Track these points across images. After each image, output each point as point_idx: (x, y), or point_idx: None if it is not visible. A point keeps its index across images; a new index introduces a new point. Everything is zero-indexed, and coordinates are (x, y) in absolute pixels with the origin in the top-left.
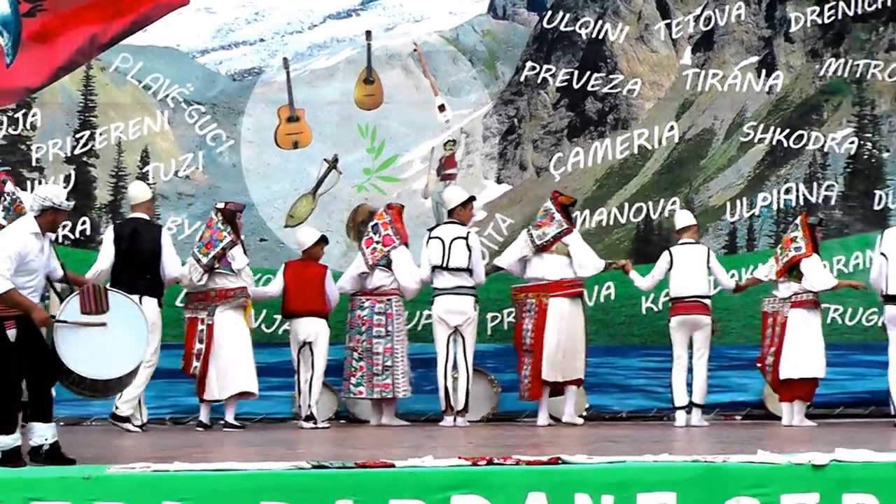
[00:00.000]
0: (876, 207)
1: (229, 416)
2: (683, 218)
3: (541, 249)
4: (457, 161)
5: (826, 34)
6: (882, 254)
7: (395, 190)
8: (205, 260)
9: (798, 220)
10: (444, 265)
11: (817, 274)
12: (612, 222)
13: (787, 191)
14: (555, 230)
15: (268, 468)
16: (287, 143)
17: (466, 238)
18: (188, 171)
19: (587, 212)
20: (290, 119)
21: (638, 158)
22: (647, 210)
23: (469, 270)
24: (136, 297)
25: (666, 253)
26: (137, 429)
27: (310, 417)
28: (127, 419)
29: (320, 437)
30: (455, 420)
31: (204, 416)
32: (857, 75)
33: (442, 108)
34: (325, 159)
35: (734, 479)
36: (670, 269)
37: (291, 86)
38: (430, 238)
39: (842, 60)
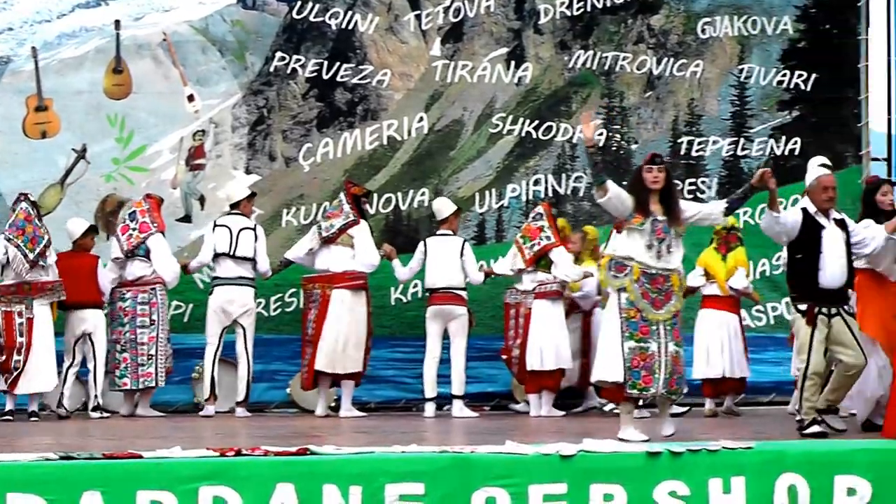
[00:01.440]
0: None
1: (33, 406)
2: (441, 208)
3: (328, 241)
4: (206, 151)
5: (575, 26)
6: None
7: (144, 180)
8: (31, 256)
9: (541, 210)
10: (231, 253)
11: (567, 264)
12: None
13: (536, 182)
14: (342, 221)
15: (14, 459)
16: (35, 133)
17: (254, 229)
18: None
19: (336, 202)
20: (39, 108)
21: (387, 149)
22: (397, 201)
23: (253, 261)
24: None
25: (421, 243)
26: None
27: (97, 408)
28: None
29: (70, 428)
30: (236, 410)
31: (11, 405)
32: (606, 67)
33: (191, 98)
34: (73, 149)
35: (482, 470)
36: (425, 259)
37: (40, 75)
38: (216, 226)
39: (590, 52)
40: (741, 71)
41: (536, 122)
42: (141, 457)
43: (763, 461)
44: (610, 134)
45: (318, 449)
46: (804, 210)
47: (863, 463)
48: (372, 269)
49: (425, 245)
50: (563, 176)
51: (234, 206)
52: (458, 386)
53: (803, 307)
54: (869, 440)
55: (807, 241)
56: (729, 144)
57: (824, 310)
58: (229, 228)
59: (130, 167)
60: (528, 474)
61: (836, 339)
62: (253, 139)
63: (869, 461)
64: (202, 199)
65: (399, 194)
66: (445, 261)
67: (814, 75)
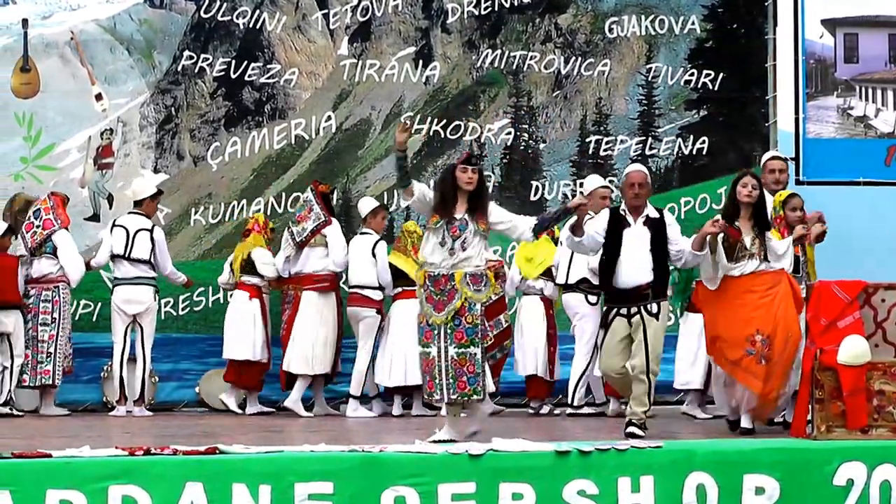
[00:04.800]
0: (532, 198)
1: None
2: (360, 207)
3: (301, 245)
4: (114, 150)
5: (483, 25)
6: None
7: (53, 179)
8: None
9: None
10: (126, 255)
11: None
12: (269, 212)
13: None
14: (313, 224)
15: None
16: None
17: (151, 231)
18: None
19: (244, 202)
20: None
21: (295, 148)
22: None
23: (150, 263)
24: None
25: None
26: None
27: (9, 404)
28: None
29: None
30: (133, 409)
31: None
32: (514, 66)
33: (99, 97)
34: None
35: (391, 469)
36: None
37: None
38: (113, 226)
39: (498, 51)
40: (649, 70)
41: (444, 121)
42: (50, 456)
43: (672, 460)
44: (518, 133)
45: (227, 448)
46: (613, 210)
47: (771, 462)
48: (343, 268)
49: (348, 244)
50: None
51: (137, 203)
52: (354, 386)
53: (604, 309)
54: (777, 439)
55: (610, 240)
56: (637, 144)
57: (623, 310)
58: (126, 229)
59: (38, 166)
60: (438, 473)
61: (633, 339)
62: (161, 138)
63: (777, 460)
64: (110, 198)
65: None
66: (357, 260)
67: (721, 75)
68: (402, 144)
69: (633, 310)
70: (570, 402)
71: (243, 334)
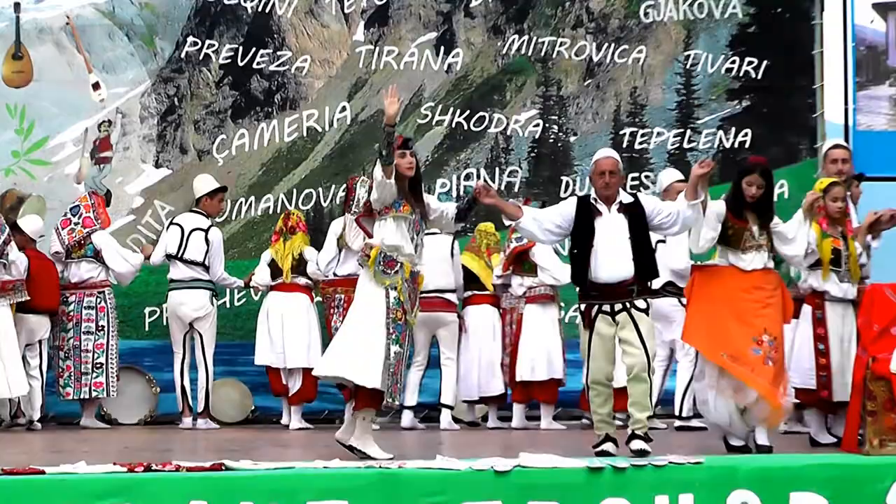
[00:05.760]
0: (563, 194)
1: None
2: None
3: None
4: (112, 143)
5: (508, 9)
6: None
7: (46, 174)
8: None
9: None
10: (179, 256)
11: (552, 263)
12: (279, 210)
13: (468, 176)
14: None
15: None
16: None
17: (207, 231)
18: None
19: (252, 198)
20: None
21: (307, 141)
22: (318, 197)
23: (204, 266)
24: None
25: None
26: None
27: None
28: None
29: None
30: (198, 422)
31: None
32: (542, 54)
33: (96, 86)
34: None
35: (411, 486)
36: None
37: None
38: (170, 224)
39: (525, 37)
40: (687, 58)
41: (468, 112)
42: (43, 472)
43: (713, 476)
44: (547, 125)
45: (234, 464)
46: (582, 198)
47: (819, 478)
48: None
49: None
50: (497, 170)
51: (197, 201)
52: (448, 395)
53: (583, 307)
54: (825, 454)
55: (581, 232)
56: (675, 136)
57: (606, 307)
58: (181, 228)
59: (31, 160)
60: (461, 491)
61: (622, 337)
62: (163, 130)
63: (825, 476)
64: (109, 195)
65: (320, 189)
66: (436, 261)
67: (765, 62)
68: (392, 118)
69: (618, 307)
70: (678, 414)
71: (313, 341)
